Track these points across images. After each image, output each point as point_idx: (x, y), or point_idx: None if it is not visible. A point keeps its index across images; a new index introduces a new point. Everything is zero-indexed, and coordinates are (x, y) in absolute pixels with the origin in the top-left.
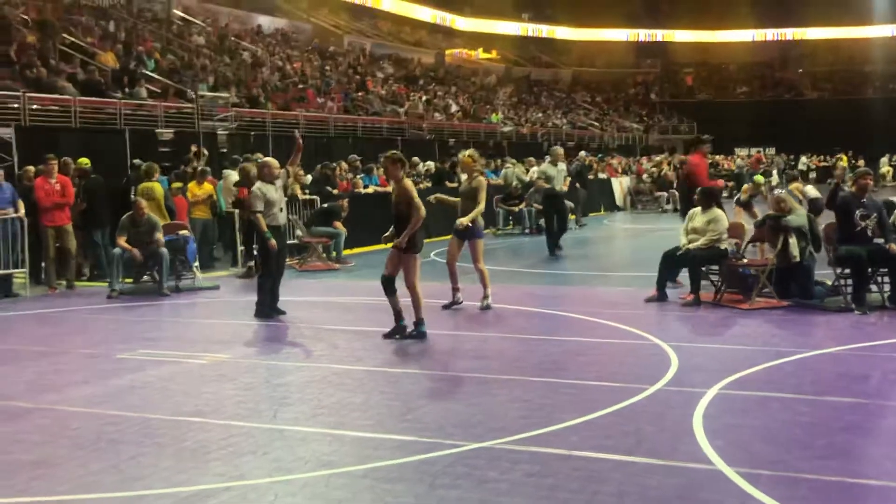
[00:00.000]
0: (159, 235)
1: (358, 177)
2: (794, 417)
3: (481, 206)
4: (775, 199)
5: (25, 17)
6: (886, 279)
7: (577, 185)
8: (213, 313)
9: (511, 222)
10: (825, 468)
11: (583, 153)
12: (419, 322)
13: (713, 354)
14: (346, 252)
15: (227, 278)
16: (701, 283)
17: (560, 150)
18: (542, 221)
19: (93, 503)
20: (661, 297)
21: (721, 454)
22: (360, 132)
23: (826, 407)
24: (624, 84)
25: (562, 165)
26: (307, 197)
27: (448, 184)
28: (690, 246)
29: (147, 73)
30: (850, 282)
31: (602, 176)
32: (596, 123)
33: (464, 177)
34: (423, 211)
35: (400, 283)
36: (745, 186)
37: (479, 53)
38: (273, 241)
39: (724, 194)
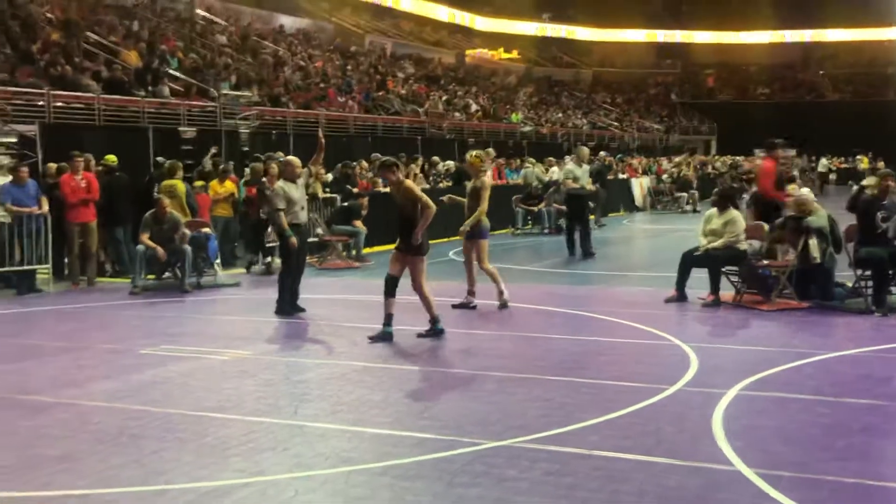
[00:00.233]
0: (185, 231)
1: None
2: (814, 419)
3: (483, 207)
4: (796, 201)
5: (50, 15)
6: None
7: (598, 185)
8: (233, 310)
9: (530, 222)
10: (845, 470)
11: (603, 153)
12: (434, 320)
13: (733, 355)
14: (366, 250)
15: (248, 275)
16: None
17: (585, 149)
18: (561, 221)
19: (115, 497)
20: (680, 297)
21: (740, 455)
22: (380, 131)
23: (846, 409)
24: (644, 84)
25: (586, 166)
26: (328, 195)
27: (467, 183)
28: (708, 246)
29: (170, 71)
30: (870, 283)
31: (622, 176)
32: (616, 124)
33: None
34: (432, 205)
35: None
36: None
37: (500, 53)
38: (294, 239)
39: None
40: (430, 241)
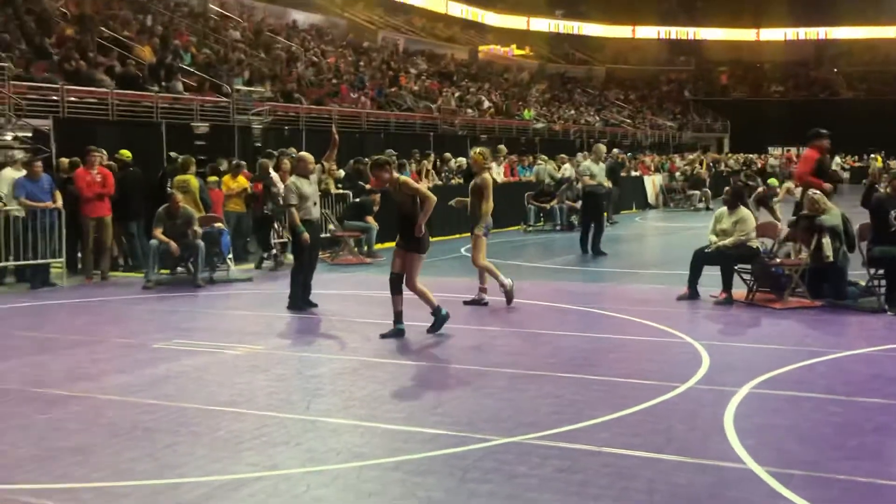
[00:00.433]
0: (196, 227)
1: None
2: (826, 418)
3: (489, 205)
4: (809, 200)
5: (65, 10)
6: None
7: (610, 182)
8: (246, 305)
9: (542, 219)
10: (857, 469)
11: (616, 150)
12: (437, 310)
13: (745, 353)
14: (378, 246)
15: (258, 271)
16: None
17: (603, 147)
18: (573, 218)
19: (129, 490)
20: (692, 295)
21: (752, 453)
22: (392, 128)
23: (858, 408)
24: (657, 81)
25: (602, 163)
26: (340, 191)
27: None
28: (719, 243)
29: (183, 66)
30: (883, 282)
31: (634, 174)
32: (629, 121)
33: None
34: (432, 196)
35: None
36: (760, 189)
37: (513, 50)
38: (306, 235)
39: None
40: (443, 238)
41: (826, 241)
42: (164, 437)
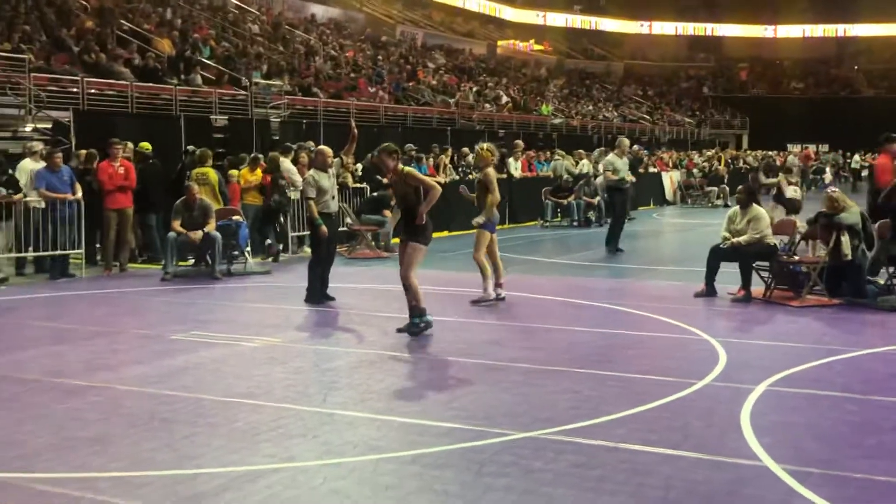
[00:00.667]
0: (211, 221)
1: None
2: (844, 416)
3: (496, 197)
4: (828, 197)
5: (85, 3)
6: None
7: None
8: (263, 297)
9: (559, 214)
10: (874, 468)
11: (636, 147)
12: (422, 313)
13: (762, 351)
14: (395, 241)
15: (278, 263)
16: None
17: (626, 141)
18: (591, 214)
19: (147, 480)
20: (709, 291)
21: (769, 451)
22: (410, 122)
23: (876, 406)
24: (676, 78)
25: (625, 158)
26: (357, 185)
27: (497, 174)
28: (733, 241)
29: (202, 59)
30: None
31: (652, 170)
32: (647, 117)
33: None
34: (437, 186)
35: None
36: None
37: (532, 45)
38: (324, 228)
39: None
40: (459, 233)
41: (845, 238)
42: (182, 428)
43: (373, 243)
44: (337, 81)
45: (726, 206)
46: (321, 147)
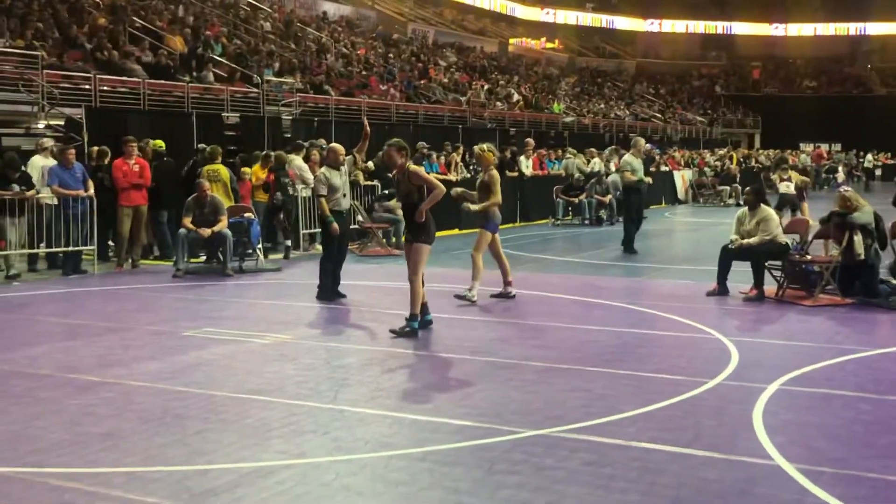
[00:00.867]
0: (223, 218)
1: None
2: (856, 416)
3: (497, 199)
4: (841, 196)
5: (97, 0)
6: None
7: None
8: (275, 295)
9: (570, 213)
10: (887, 468)
11: (647, 146)
12: (412, 318)
13: (774, 350)
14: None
15: (289, 261)
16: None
17: (642, 140)
18: (602, 213)
19: (159, 475)
20: (721, 291)
21: (781, 450)
22: (421, 120)
23: (889, 406)
24: (688, 76)
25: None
26: (369, 183)
27: (508, 172)
28: (743, 242)
29: (214, 57)
30: None
31: (664, 168)
32: (659, 115)
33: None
34: (443, 187)
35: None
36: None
37: (544, 43)
38: (335, 225)
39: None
40: (466, 231)
41: (858, 238)
42: (194, 424)
43: (384, 241)
44: (348, 79)
45: (738, 205)
46: (333, 145)
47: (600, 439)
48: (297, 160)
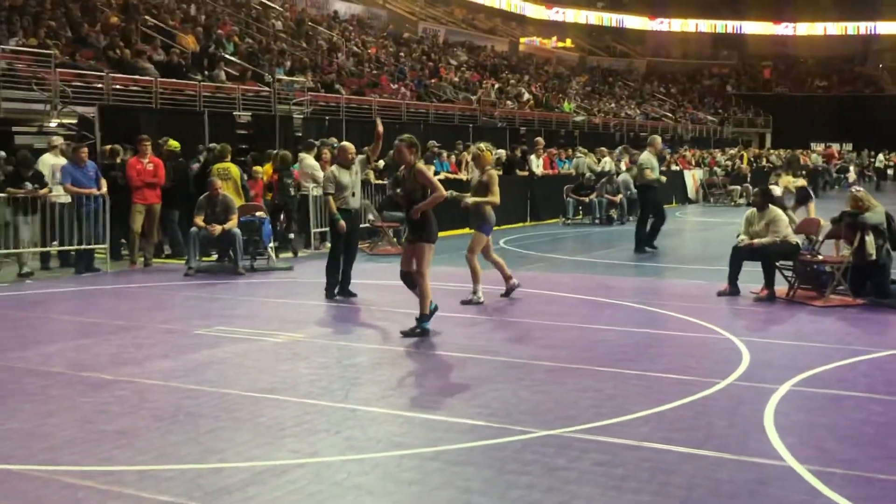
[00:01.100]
0: (234, 217)
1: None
2: (868, 417)
3: (495, 199)
4: (853, 196)
5: None
6: None
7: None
8: (286, 293)
9: (581, 212)
10: None
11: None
12: (422, 318)
13: (786, 351)
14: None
15: (301, 259)
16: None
17: (659, 138)
18: (612, 212)
19: (172, 474)
20: (732, 291)
21: (792, 451)
22: (432, 119)
23: None
24: (699, 75)
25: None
26: (379, 182)
27: (519, 172)
28: (754, 242)
29: (226, 56)
30: None
31: (675, 168)
32: (670, 115)
33: (476, 172)
34: (444, 193)
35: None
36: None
37: (554, 42)
38: (342, 223)
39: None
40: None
41: (869, 238)
42: (207, 423)
43: (395, 240)
44: (359, 78)
45: (748, 204)
46: (343, 143)
47: (612, 440)
48: (308, 159)
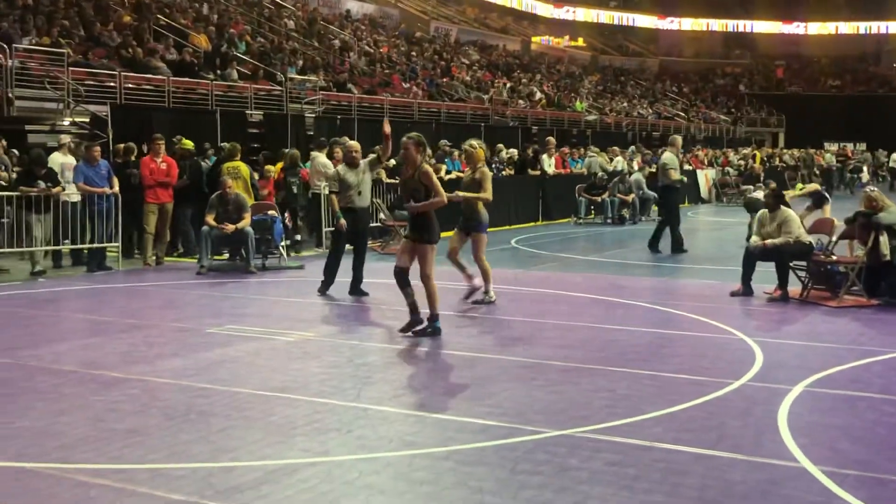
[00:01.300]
0: (246, 216)
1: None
2: (882, 418)
3: (488, 196)
4: (867, 196)
5: None
6: None
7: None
8: (297, 292)
9: (593, 212)
10: None
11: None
12: (434, 318)
13: (799, 351)
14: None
15: (312, 258)
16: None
17: (679, 138)
18: (625, 211)
19: (184, 472)
20: (746, 291)
21: (805, 452)
22: (443, 118)
23: None
24: (712, 75)
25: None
26: (392, 181)
27: (531, 171)
28: (767, 242)
29: (238, 55)
30: None
31: (687, 167)
32: (682, 114)
33: (467, 170)
34: (444, 199)
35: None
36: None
37: (567, 41)
38: (342, 222)
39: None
40: (493, 229)
41: (883, 239)
42: (218, 421)
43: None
44: (371, 77)
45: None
46: (350, 143)
47: (624, 440)
48: (320, 157)
